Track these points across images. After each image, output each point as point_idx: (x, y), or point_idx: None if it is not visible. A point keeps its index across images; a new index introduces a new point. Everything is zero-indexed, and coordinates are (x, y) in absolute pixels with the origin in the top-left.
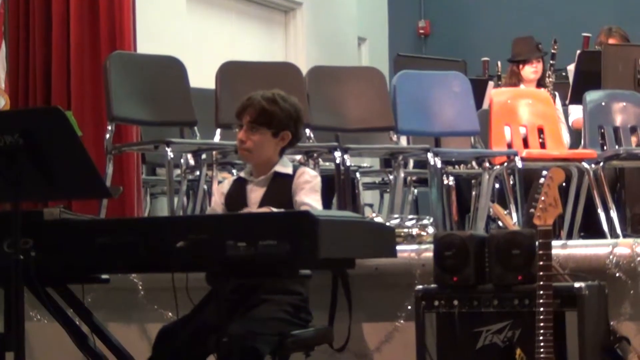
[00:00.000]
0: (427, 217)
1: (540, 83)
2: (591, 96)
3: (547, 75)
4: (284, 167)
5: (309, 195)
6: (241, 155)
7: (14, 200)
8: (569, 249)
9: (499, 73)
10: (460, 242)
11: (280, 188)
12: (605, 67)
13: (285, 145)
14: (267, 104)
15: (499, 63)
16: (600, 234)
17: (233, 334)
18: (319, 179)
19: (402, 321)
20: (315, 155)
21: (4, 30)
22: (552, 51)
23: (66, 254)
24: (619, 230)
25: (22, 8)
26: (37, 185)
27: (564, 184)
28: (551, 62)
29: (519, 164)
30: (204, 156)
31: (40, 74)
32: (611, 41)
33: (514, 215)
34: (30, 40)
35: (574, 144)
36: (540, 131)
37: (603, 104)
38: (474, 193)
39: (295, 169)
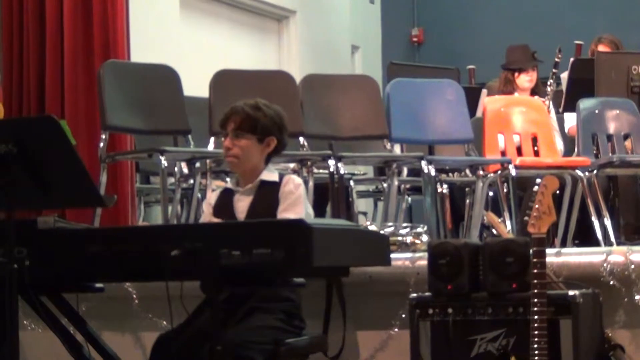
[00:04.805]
0: (421, 225)
1: (534, 91)
2: (584, 104)
3: (548, 83)
4: (270, 174)
5: (289, 210)
6: (228, 163)
7: (7, 209)
8: (563, 256)
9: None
10: (454, 250)
11: (267, 196)
12: (598, 75)
13: (271, 151)
14: (250, 110)
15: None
16: (594, 242)
17: (227, 342)
18: (302, 187)
19: (396, 329)
20: (309, 163)
21: None
22: (556, 59)
23: (60, 263)
24: (612, 238)
25: (15, 17)
26: (31, 194)
27: (557, 192)
28: (554, 70)
29: (513, 172)
30: (197, 164)
31: (34, 82)
32: (601, 48)
33: (508, 223)
34: (24, 49)
35: (570, 151)
36: (534, 139)
37: (596, 111)
38: (467, 201)
39: (281, 176)
